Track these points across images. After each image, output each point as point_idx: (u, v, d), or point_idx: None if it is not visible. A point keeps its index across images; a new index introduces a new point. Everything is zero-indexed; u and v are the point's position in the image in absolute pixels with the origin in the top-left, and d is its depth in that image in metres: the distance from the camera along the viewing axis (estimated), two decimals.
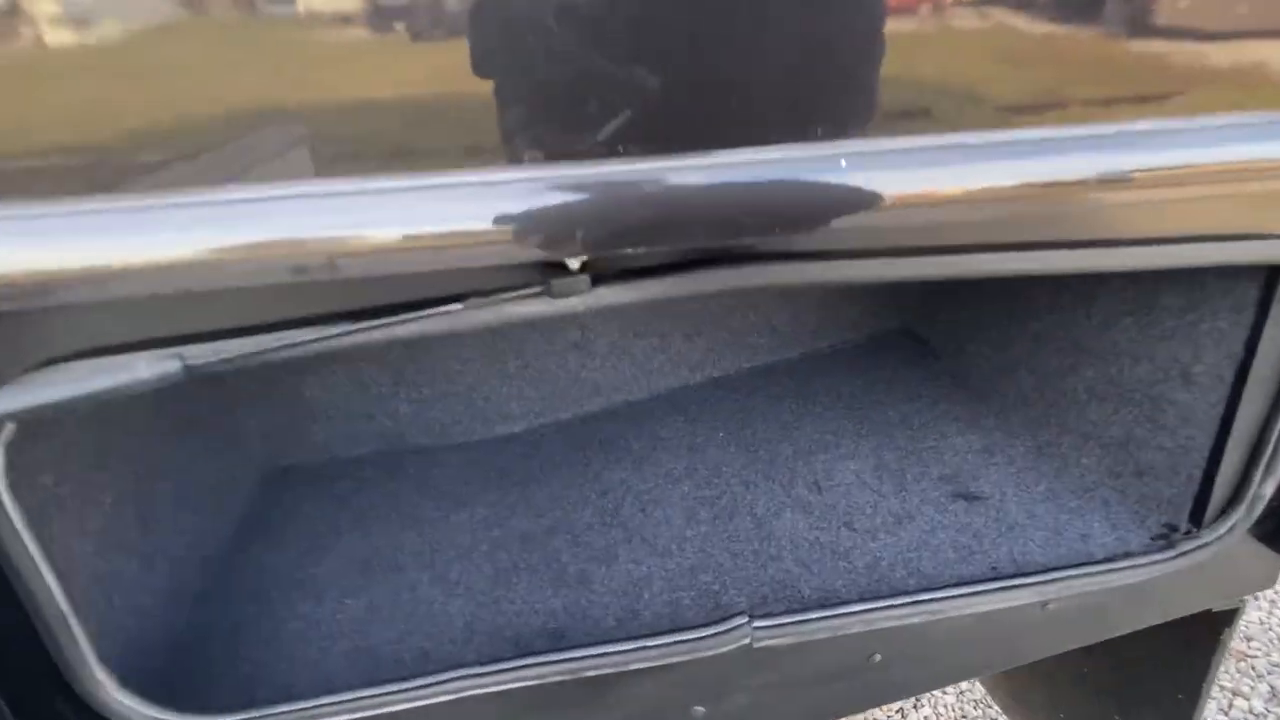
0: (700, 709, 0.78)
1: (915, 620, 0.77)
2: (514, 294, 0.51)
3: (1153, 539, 0.83)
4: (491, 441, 1.24)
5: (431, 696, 0.72)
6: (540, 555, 0.98)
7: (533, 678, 0.72)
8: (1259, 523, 0.84)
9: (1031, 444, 1.00)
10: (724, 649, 0.72)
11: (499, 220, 0.47)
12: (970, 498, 0.95)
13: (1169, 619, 0.87)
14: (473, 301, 0.51)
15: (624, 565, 0.96)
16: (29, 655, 0.61)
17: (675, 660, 0.73)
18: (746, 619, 0.73)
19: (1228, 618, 0.94)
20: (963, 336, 1.23)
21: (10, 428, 0.52)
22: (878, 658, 0.79)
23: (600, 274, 0.52)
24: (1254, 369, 0.72)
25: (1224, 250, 0.67)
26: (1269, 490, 0.77)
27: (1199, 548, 0.79)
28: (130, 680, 0.65)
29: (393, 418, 1.22)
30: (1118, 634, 0.86)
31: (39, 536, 0.56)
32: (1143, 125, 0.57)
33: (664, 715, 0.78)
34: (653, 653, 0.72)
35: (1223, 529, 0.78)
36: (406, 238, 0.49)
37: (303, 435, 1.21)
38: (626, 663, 0.72)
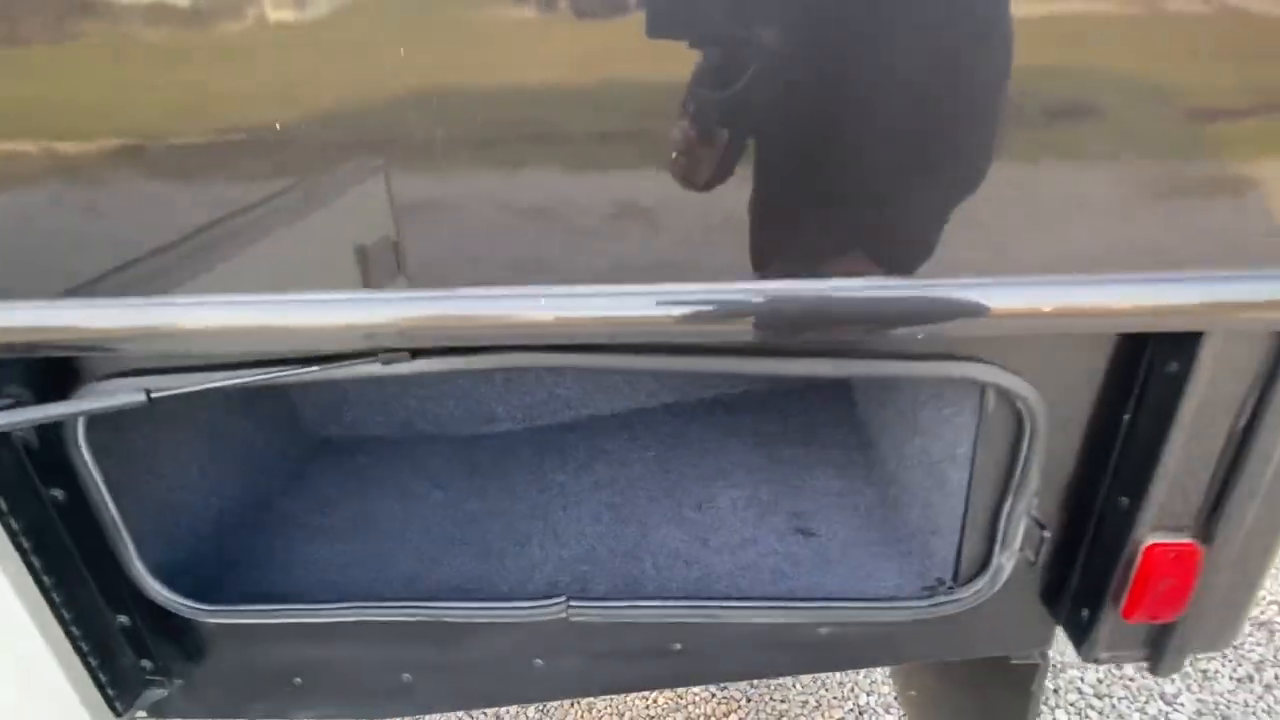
0: (539, 661, 1.05)
1: (704, 621, 0.99)
2: (361, 360, 0.80)
3: (923, 589, 0.99)
4: (475, 437, 1.55)
5: (353, 615, 1.03)
6: (476, 532, 1.28)
7: (417, 616, 1.02)
8: (1045, 585, 0.98)
9: (875, 497, 1.17)
10: (545, 619, 0.98)
11: (353, 324, 0.76)
12: (807, 533, 1.14)
13: (943, 659, 1.02)
14: (343, 363, 0.80)
15: (533, 549, 1.23)
16: (108, 555, 0.98)
17: (515, 621, 1.00)
18: (565, 599, 0.98)
19: (1030, 671, 1.07)
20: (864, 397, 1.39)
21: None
22: (678, 646, 1.02)
23: (421, 351, 0.80)
24: (978, 461, 0.87)
25: (947, 368, 0.83)
26: (1007, 562, 0.91)
27: (952, 602, 0.95)
28: (163, 574, 1.01)
29: (404, 409, 1.57)
30: (888, 664, 1.02)
31: (107, 476, 0.91)
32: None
33: (512, 660, 1.06)
34: (496, 613, 0.99)
35: (971, 590, 0.94)
36: (317, 326, 0.78)
37: (338, 415, 1.58)
38: (480, 616, 1.00)
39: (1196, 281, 0.71)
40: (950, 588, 0.97)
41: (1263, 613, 2.24)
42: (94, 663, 0.97)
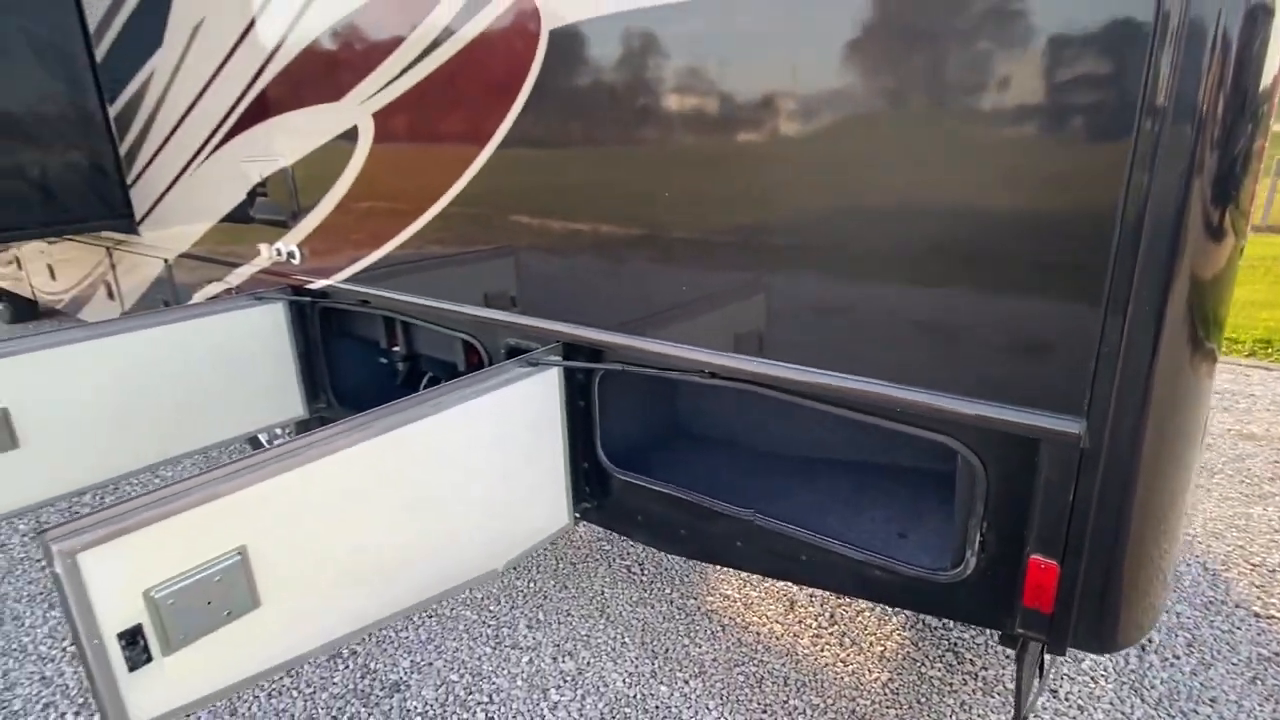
0: (739, 544, 2.12)
1: (811, 542, 1.94)
2: (698, 375, 2.02)
3: (931, 565, 1.77)
4: (761, 432, 2.67)
5: (693, 499, 2.25)
6: (747, 477, 2.40)
7: (720, 508, 2.19)
8: (987, 581, 1.69)
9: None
10: (746, 519, 2.05)
11: (703, 360, 1.99)
12: (900, 534, 1.97)
13: (931, 613, 1.76)
14: (689, 374, 2.04)
15: (757, 494, 2.30)
16: (590, 434, 2.37)
17: (741, 519, 2.10)
18: (754, 510, 2.03)
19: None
20: None
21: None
22: (803, 557, 1.98)
23: (720, 376, 1.97)
24: (956, 497, 1.67)
25: (931, 436, 1.68)
26: (972, 559, 1.66)
27: (946, 572, 1.73)
28: (606, 448, 2.36)
29: (724, 411, 2.77)
30: (906, 606, 1.80)
31: (601, 399, 2.30)
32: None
33: (741, 537, 2.15)
34: (738, 511, 2.10)
35: (955, 570, 1.70)
36: (685, 357, 2.04)
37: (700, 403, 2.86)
38: (737, 514, 2.12)
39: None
40: (946, 568, 1.75)
41: None
42: (572, 478, 2.38)
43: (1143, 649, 2.76)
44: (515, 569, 3.30)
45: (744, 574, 3.23)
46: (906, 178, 1.50)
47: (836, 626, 2.94)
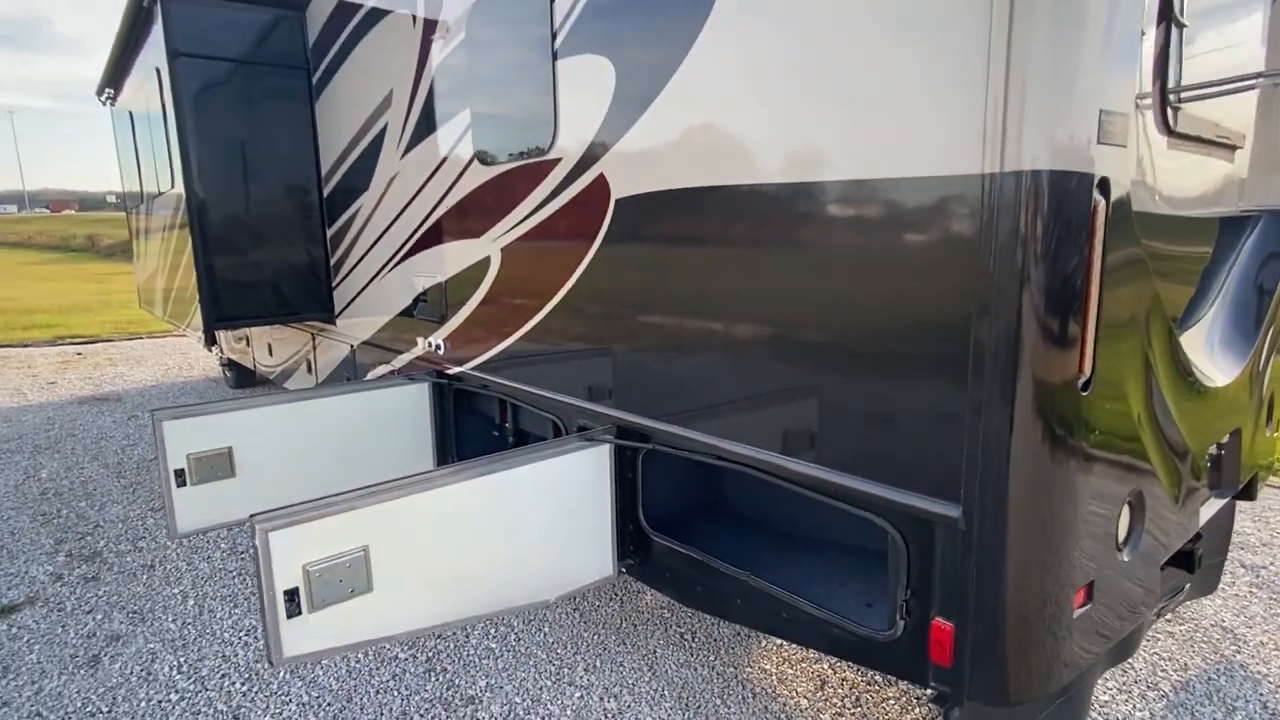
0: (741, 600, 2.58)
1: (761, 590, 2.37)
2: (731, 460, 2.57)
3: (870, 623, 2.15)
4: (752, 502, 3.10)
5: (717, 566, 2.77)
6: (750, 541, 2.86)
7: (738, 576, 2.70)
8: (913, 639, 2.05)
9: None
10: (740, 579, 2.53)
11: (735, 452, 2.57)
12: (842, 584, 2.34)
13: (869, 667, 2.12)
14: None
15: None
16: (634, 510, 2.96)
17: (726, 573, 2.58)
18: (749, 572, 2.50)
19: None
20: None
21: None
22: (743, 599, 2.40)
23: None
24: (889, 563, 2.08)
25: (856, 510, 2.11)
26: (900, 621, 2.05)
27: (882, 631, 2.11)
28: (647, 515, 2.94)
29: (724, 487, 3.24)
30: (834, 654, 2.16)
31: (643, 473, 2.90)
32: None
33: (732, 593, 2.62)
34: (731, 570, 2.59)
35: (891, 629, 2.09)
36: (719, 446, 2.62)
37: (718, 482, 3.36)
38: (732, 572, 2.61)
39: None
40: (885, 629, 2.13)
41: None
42: (617, 536, 2.96)
43: None
44: (584, 621, 3.85)
45: (784, 652, 3.57)
46: (851, 348, 2.06)
47: (860, 709, 3.21)
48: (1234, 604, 4.09)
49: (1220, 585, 4.21)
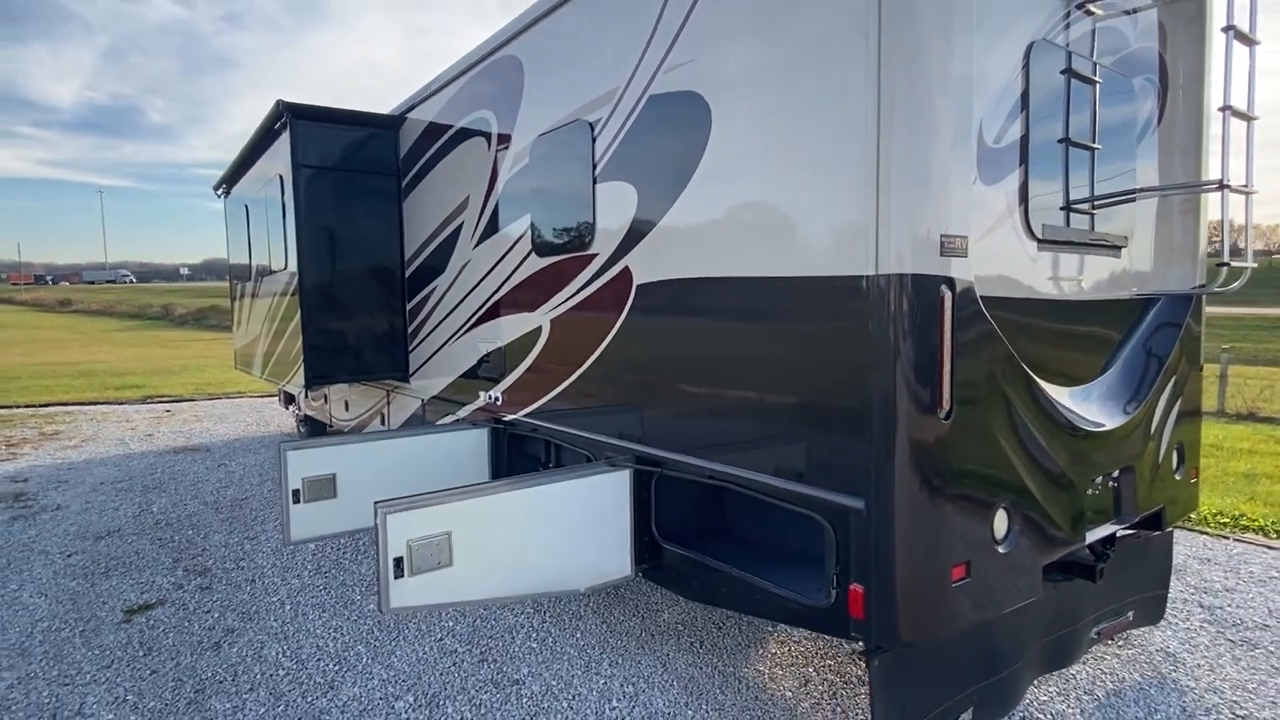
0: None
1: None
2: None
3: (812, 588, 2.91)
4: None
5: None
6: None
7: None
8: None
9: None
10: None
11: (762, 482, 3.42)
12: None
13: (806, 627, 2.87)
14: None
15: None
16: (647, 514, 3.79)
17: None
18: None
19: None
20: None
21: None
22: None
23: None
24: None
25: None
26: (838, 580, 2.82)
27: (826, 597, 2.88)
28: (659, 526, 3.76)
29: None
30: (777, 619, 2.92)
31: (656, 493, 3.75)
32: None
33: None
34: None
35: (826, 598, 2.86)
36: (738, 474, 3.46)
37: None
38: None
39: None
40: (823, 598, 2.89)
41: None
42: (634, 544, 3.78)
43: None
44: (609, 630, 4.62)
45: (780, 656, 4.27)
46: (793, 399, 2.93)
47: (836, 703, 3.89)
48: (1183, 635, 4.64)
49: (1174, 620, 4.78)
